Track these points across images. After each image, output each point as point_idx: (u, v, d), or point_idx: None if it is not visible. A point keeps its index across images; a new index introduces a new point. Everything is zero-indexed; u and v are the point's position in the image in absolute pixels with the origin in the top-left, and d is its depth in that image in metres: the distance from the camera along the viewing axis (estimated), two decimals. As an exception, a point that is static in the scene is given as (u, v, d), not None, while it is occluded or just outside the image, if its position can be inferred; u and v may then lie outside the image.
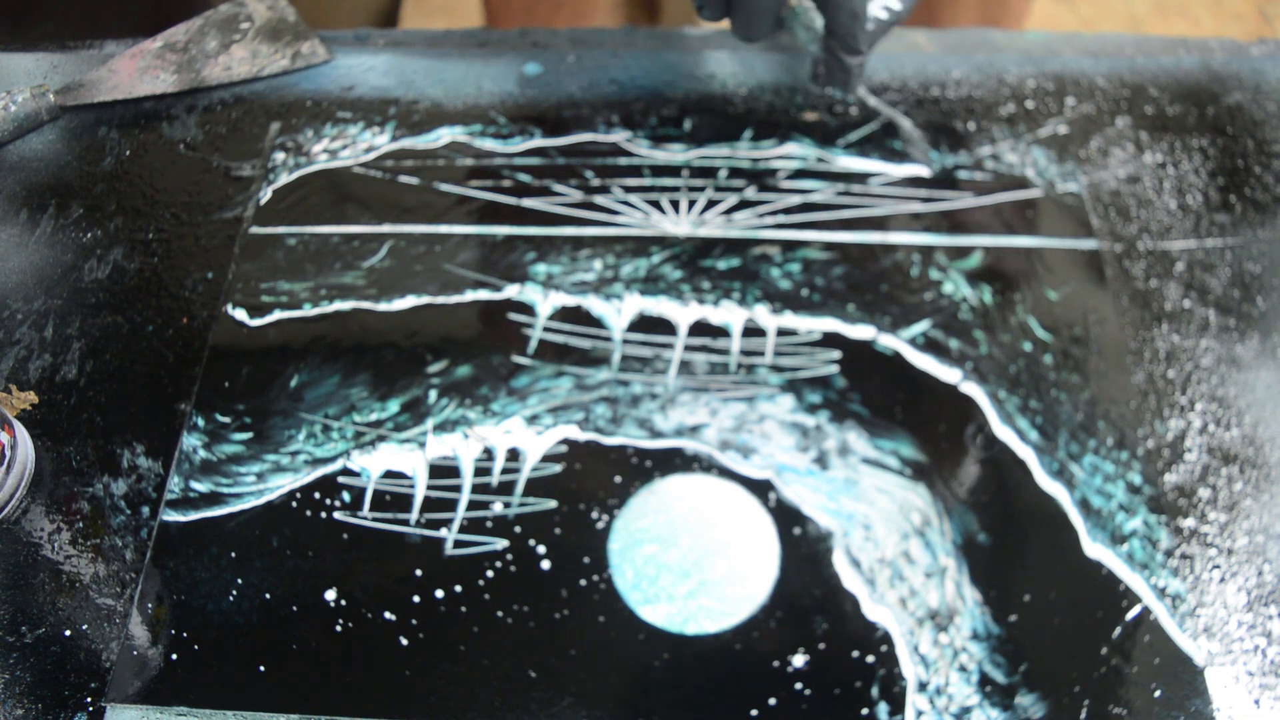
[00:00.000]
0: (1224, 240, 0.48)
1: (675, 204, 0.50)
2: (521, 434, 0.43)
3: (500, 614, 0.39)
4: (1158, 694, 0.37)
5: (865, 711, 0.37)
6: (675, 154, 0.51)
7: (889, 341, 0.45)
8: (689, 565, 0.40)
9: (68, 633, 0.38)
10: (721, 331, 0.46)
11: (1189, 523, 0.40)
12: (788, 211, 0.49)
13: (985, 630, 0.38)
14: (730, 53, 0.56)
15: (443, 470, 0.42)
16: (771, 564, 0.40)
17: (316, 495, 0.41)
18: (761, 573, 0.40)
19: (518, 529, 0.41)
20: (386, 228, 0.49)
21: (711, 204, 0.50)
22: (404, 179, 0.51)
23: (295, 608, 0.39)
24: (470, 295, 0.47)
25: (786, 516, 0.41)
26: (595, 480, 0.42)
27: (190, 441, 0.43)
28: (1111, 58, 0.55)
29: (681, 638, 0.38)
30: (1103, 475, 0.41)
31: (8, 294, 0.47)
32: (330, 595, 0.39)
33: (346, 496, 0.41)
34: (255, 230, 0.49)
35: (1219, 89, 0.54)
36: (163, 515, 0.41)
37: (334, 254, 0.48)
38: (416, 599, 0.39)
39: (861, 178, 0.50)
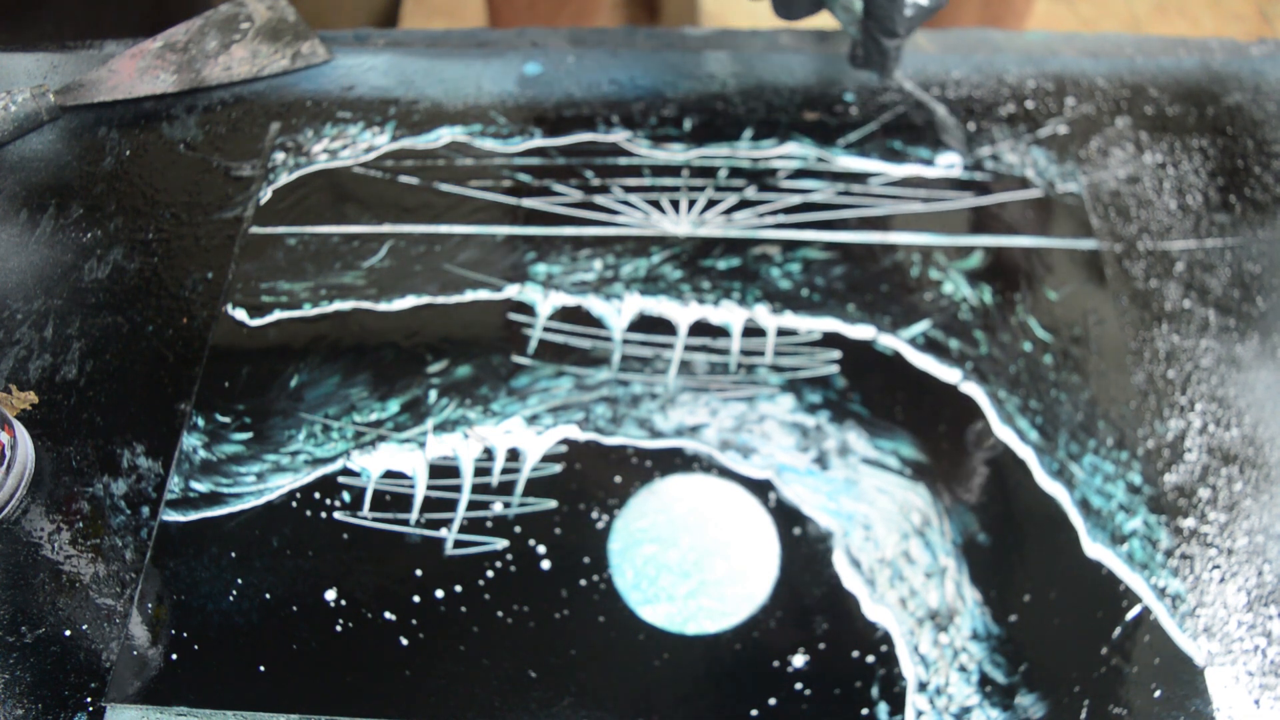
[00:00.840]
0: (1224, 240, 0.48)
1: (675, 204, 0.50)
2: (521, 434, 0.43)
3: (500, 614, 0.39)
4: (1158, 694, 0.37)
5: (865, 711, 0.37)
6: (675, 154, 0.51)
7: (889, 341, 0.45)
8: (689, 565, 0.40)
9: (68, 633, 0.38)
10: (721, 331, 0.46)
11: (1189, 523, 0.40)
12: (788, 211, 0.49)
13: (985, 630, 0.38)
14: (730, 53, 0.56)
15: (443, 470, 0.42)
16: (771, 564, 0.40)
17: (316, 495, 0.41)
18: (761, 573, 0.40)
19: (518, 529, 0.41)
20: (386, 228, 0.49)
21: (711, 204, 0.50)
22: (404, 179, 0.51)
23: (295, 608, 0.39)
24: (470, 295, 0.47)
25: (786, 516, 0.41)
26: (595, 480, 0.42)
27: (190, 441, 0.43)
28: (1111, 58, 0.55)
29: (681, 638, 0.38)
30: (1103, 475, 0.41)
31: (8, 294, 0.47)
32: (330, 595, 0.39)
33: (346, 496, 0.41)
34: (255, 230, 0.49)
35: (1219, 89, 0.54)
36: (163, 515, 0.41)
37: (334, 254, 0.48)
38: (416, 599, 0.39)
39: (861, 178, 0.50)
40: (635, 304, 0.46)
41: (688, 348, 0.45)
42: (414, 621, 0.39)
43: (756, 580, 0.39)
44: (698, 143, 0.52)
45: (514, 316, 0.46)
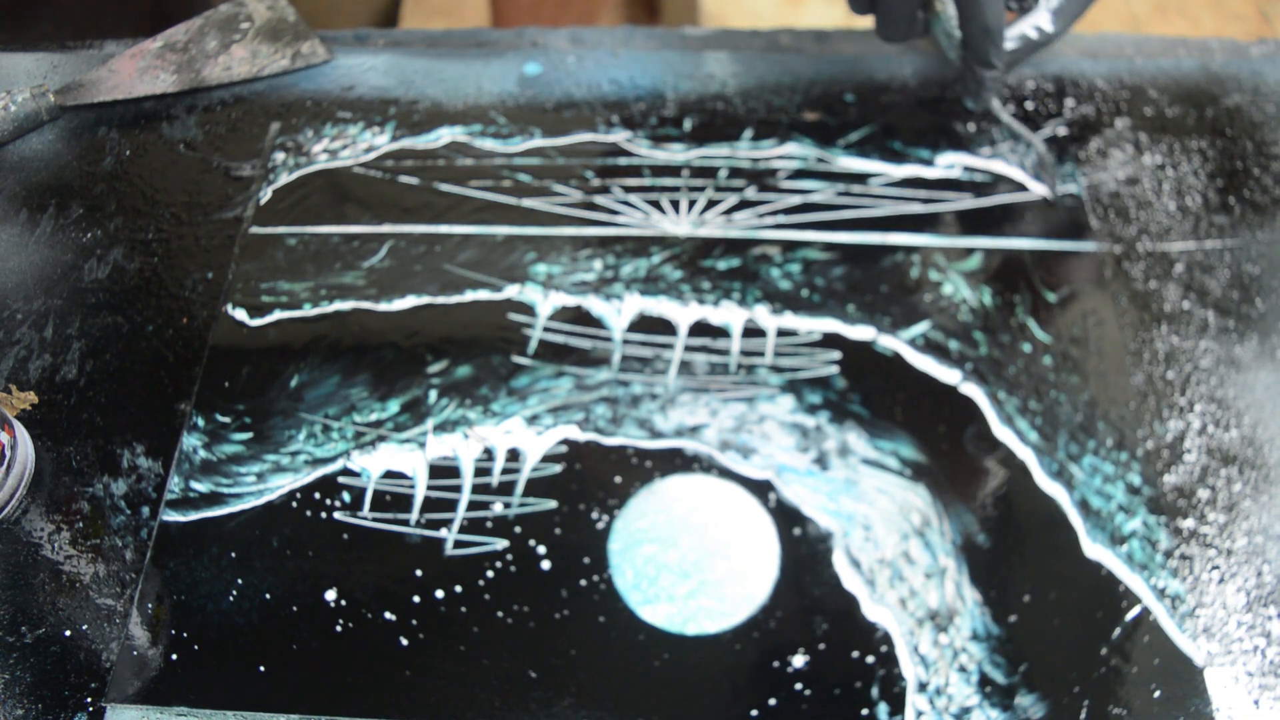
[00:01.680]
0: (1223, 242, 0.48)
1: (675, 204, 0.50)
2: (521, 434, 0.43)
3: (500, 614, 0.39)
4: (1157, 694, 0.37)
5: (865, 711, 0.37)
6: (675, 154, 0.51)
7: (889, 342, 0.45)
8: (689, 565, 0.40)
9: (68, 633, 0.39)
10: (721, 332, 0.46)
11: (1188, 523, 0.40)
12: (788, 211, 0.49)
13: (985, 631, 0.38)
14: (730, 53, 0.56)
15: (443, 470, 0.42)
16: (771, 564, 0.40)
17: (316, 495, 0.41)
18: (761, 573, 0.40)
19: (518, 529, 0.41)
20: (386, 228, 0.49)
21: (711, 204, 0.50)
22: (404, 179, 0.51)
23: (295, 608, 0.39)
24: (470, 295, 0.47)
25: (786, 517, 0.41)
26: (595, 480, 0.42)
27: (190, 441, 0.43)
28: (1111, 59, 0.55)
29: (681, 638, 0.38)
30: (1102, 476, 0.41)
31: (8, 294, 0.47)
32: (330, 595, 0.39)
33: (346, 496, 0.41)
34: (255, 230, 0.49)
35: (1218, 90, 0.54)
36: (163, 515, 0.41)
37: (334, 254, 0.48)
38: (416, 599, 0.39)
39: (861, 178, 0.50)
40: (635, 304, 0.46)
41: (688, 348, 0.45)
42: (414, 621, 0.39)
43: (756, 580, 0.39)
44: (698, 143, 0.52)
45: (514, 316, 0.46)
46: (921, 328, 0.45)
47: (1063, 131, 0.52)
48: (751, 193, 0.50)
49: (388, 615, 0.39)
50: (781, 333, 0.46)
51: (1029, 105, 0.53)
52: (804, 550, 0.40)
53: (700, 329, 0.46)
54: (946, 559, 0.40)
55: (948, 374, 0.44)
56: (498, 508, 0.41)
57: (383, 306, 0.47)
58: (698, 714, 0.37)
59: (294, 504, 0.41)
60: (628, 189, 0.50)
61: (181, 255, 0.49)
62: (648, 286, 0.47)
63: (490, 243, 0.49)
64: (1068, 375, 0.44)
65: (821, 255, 0.48)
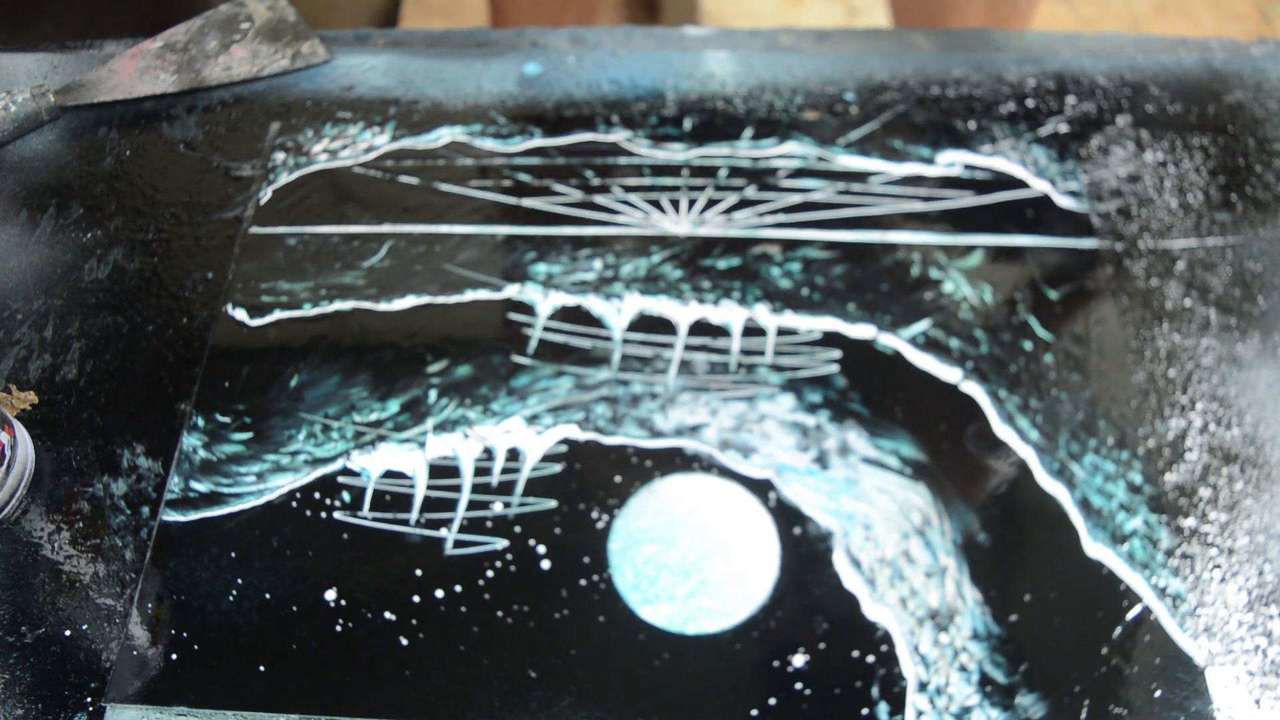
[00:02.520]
0: (1225, 239, 0.48)
1: (675, 203, 0.50)
2: (521, 434, 0.43)
3: (500, 614, 0.39)
4: (1158, 694, 0.37)
5: (865, 711, 0.37)
6: (675, 154, 0.51)
7: (889, 341, 0.45)
8: (689, 565, 0.40)
9: (68, 633, 0.38)
10: (721, 331, 0.46)
11: (1189, 522, 0.40)
12: (788, 211, 0.49)
13: (985, 630, 0.38)
14: (730, 53, 0.56)
15: (443, 470, 0.42)
16: (771, 564, 0.40)
17: (316, 495, 0.41)
18: (761, 573, 0.39)
19: (518, 529, 0.41)
20: (386, 228, 0.49)
21: (711, 203, 0.50)
22: (404, 179, 0.51)
23: (295, 608, 0.39)
24: (470, 295, 0.47)
25: (786, 516, 0.41)
26: (595, 480, 0.42)
27: (190, 441, 0.43)
28: (1111, 57, 0.55)
29: (681, 638, 0.38)
30: (1103, 475, 0.41)
31: (8, 294, 0.47)
32: (330, 595, 0.39)
33: (346, 496, 0.41)
34: (255, 230, 0.49)
35: (1219, 87, 0.54)
36: (163, 515, 0.41)
37: (334, 254, 0.48)
38: (416, 599, 0.39)
39: (861, 177, 0.50)
40: (635, 303, 0.46)
41: (688, 347, 0.45)
42: (414, 621, 0.38)
43: (756, 580, 0.39)
44: (698, 142, 0.52)
45: (514, 316, 0.46)
46: (922, 326, 0.45)
47: (1064, 129, 0.52)
48: (751, 192, 0.50)
49: (388, 615, 0.39)
50: (782, 332, 0.45)
51: (1030, 103, 0.53)
52: (804, 550, 0.40)
53: (700, 328, 0.46)
54: (947, 558, 0.40)
55: (948, 372, 0.44)
56: (498, 507, 0.41)
57: (383, 306, 0.47)
58: (698, 714, 0.37)
59: (294, 504, 0.41)
60: (628, 188, 0.50)
61: (181, 255, 0.49)
62: (648, 286, 0.47)
63: (490, 243, 0.48)
64: (1069, 373, 0.44)
65: (822, 254, 0.48)
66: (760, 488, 0.41)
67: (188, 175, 0.51)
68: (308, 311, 0.47)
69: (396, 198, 0.50)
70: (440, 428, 0.43)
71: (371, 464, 0.42)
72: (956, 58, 0.55)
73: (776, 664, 0.38)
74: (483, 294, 0.47)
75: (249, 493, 0.42)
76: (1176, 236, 0.48)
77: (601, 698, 0.37)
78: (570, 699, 0.37)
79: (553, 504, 0.41)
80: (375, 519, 0.41)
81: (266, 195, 0.50)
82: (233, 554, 0.40)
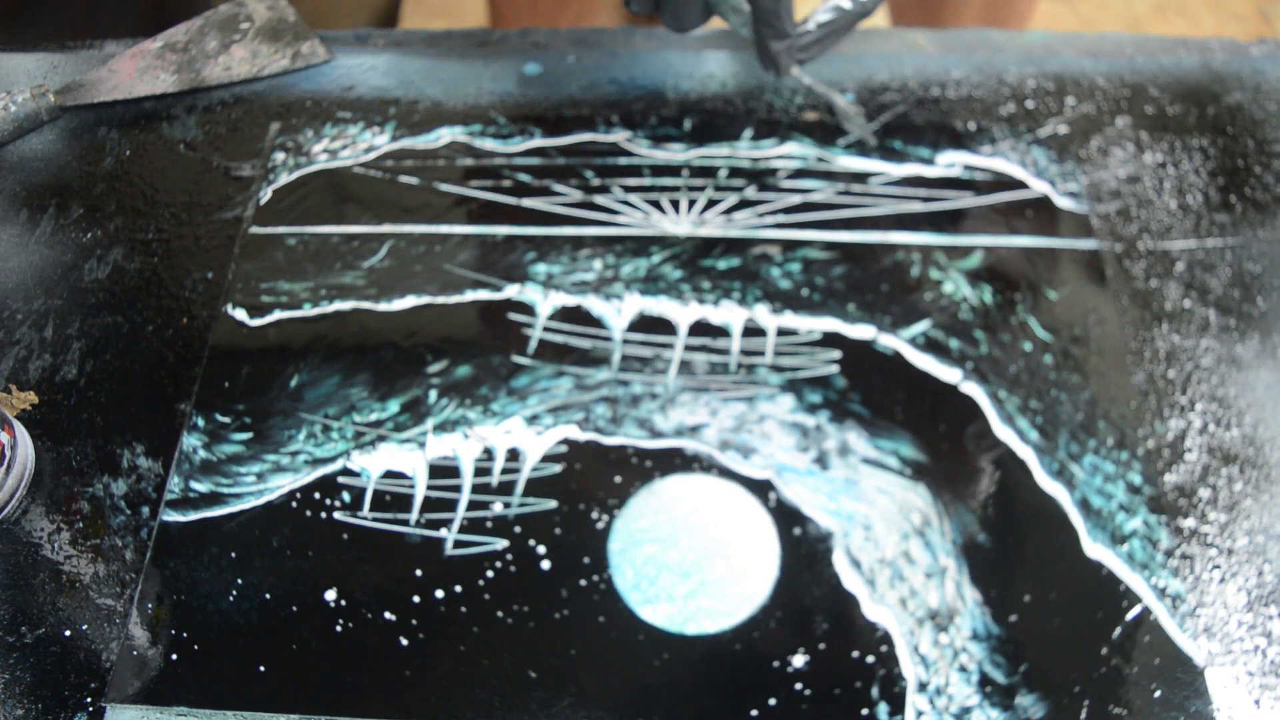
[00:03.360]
0: (1224, 240, 0.48)
1: (675, 204, 0.50)
2: (521, 434, 0.43)
3: (500, 614, 0.39)
4: (1158, 694, 0.37)
5: (865, 711, 0.37)
6: (675, 154, 0.51)
7: (889, 341, 0.45)
8: (689, 565, 0.40)
9: (68, 633, 0.38)
10: (721, 331, 0.46)
11: (1189, 523, 0.40)
12: (788, 211, 0.49)
13: (985, 630, 0.38)
14: (730, 53, 0.56)
15: (443, 470, 0.42)
16: (771, 564, 0.40)
17: (316, 495, 0.41)
18: (761, 573, 0.39)
19: (518, 529, 0.41)
20: (386, 228, 0.49)
21: (711, 204, 0.50)
22: (404, 179, 0.51)
23: (295, 608, 0.39)
24: (470, 295, 0.47)
25: (786, 516, 0.41)
26: (595, 480, 0.42)
27: (190, 441, 0.43)
28: (1111, 58, 0.55)
29: (681, 638, 0.38)
30: (1103, 475, 0.41)
31: (8, 294, 0.47)
32: (330, 595, 0.39)
33: (346, 496, 0.41)
34: (255, 230, 0.49)
35: (1219, 89, 0.54)
36: (163, 515, 0.41)
37: (334, 254, 0.48)
38: (416, 599, 0.39)
39: (861, 177, 0.50)
40: (635, 304, 0.46)
41: (688, 348, 0.45)
42: (414, 621, 0.38)
43: (756, 580, 0.39)
44: (698, 143, 0.52)
45: (514, 316, 0.46)
46: (922, 326, 0.45)
47: (1064, 130, 0.52)
48: (751, 192, 0.50)
49: (388, 615, 0.39)
50: (781, 332, 0.46)
51: (1030, 104, 0.53)
52: (804, 550, 0.40)
53: (700, 328, 0.46)
54: (947, 558, 0.40)
55: (948, 373, 0.44)
56: (498, 507, 0.41)
57: (383, 306, 0.47)
58: (698, 714, 0.37)
59: (294, 504, 0.41)
60: (628, 189, 0.50)
61: (181, 255, 0.49)
62: (648, 286, 0.47)
63: (490, 242, 0.49)
64: (1068, 374, 0.44)
65: (821, 254, 0.48)
66: (760, 488, 0.41)
67: (188, 175, 0.51)
68: (308, 311, 0.47)
69: (396, 198, 0.50)
70: (440, 428, 0.43)
71: (371, 464, 0.42)
72: (956, 58, 0.55)
73: (776, 664, 0.38)
74: (483, 294, 0.47)
75: (249, 493, 0.42)
76: (1176, 238, 0.48)
77: (601, 698, 0.37)
78: (570, 699, 0.37)
79: (553, 504, 0.41)
80: (375, 519, 0.41)
81: (266, 195, 0.50)
82: (233, 554, 0.40)
